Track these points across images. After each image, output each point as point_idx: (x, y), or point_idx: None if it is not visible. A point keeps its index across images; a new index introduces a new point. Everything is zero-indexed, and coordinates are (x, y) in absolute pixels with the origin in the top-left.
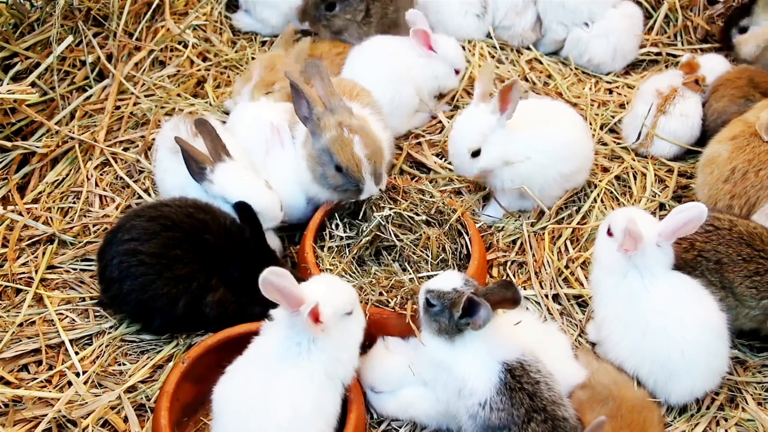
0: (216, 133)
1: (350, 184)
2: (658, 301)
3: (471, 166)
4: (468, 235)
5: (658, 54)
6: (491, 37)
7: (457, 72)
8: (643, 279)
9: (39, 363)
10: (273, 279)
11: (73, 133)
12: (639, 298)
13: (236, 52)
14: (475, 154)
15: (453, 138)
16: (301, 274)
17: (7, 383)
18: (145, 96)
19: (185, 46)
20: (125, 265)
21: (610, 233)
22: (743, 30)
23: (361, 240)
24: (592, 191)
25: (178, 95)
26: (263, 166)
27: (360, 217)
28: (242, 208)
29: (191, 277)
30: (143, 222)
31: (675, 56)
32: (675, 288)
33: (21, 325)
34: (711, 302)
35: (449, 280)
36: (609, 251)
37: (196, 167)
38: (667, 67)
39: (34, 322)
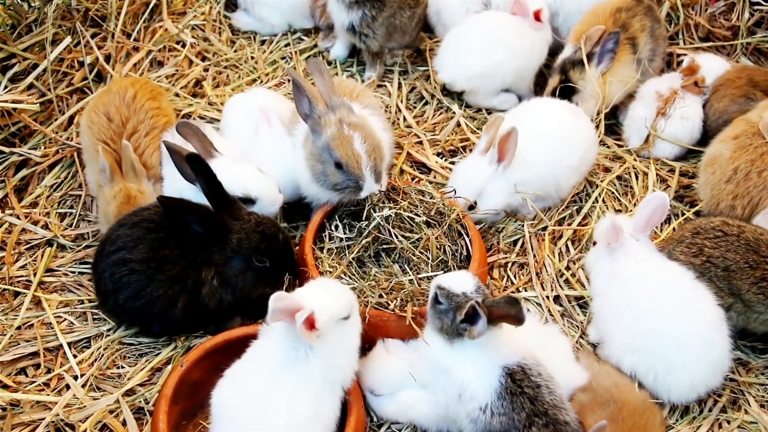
0: (201, 131)
1: (350, 181)
2: (650, 290)
3: (473, 215)
4: (468, 237)
5: None
6: None
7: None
8: (637, 265)
9: (37, 366)
10: (277, 305)
11: (71, 139)
12: (631, 288)
13: (235, 51)
14: (471, 207)
15: (454, 187)
16: (300, 276)
17: (5, 387)
18: None
19: (183, 46)
20: (117, 276)
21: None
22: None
23: (361, 241)
24: (593, 191)
25: (177, 95)
26: (253, 148)
27: (360, 219)
28: (193, 159)
29: (184, 274)
30: (127, 230)
31: (678, 55)
32: (667, 278)
33: (19, 328)
34: (705, 294)
35: (462, 283)
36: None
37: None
38: (669, 65)
39: (32, 325)
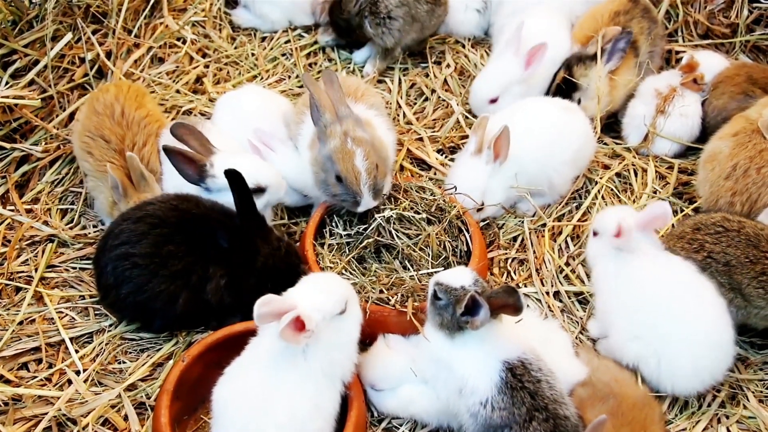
0: (197, 130)
1: (348, 195)
2: (654, 278)
3: (479, 216)
4: (468, 233)
5: None
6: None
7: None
8: (638, 258)
9: (39, 361)
10: (263, 310)
11: (72, 134)
12: (635, 277)
13: (236, 48)
14: (479, 208)
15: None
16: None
17: (7, 382)
18: None
19: (184, 42)
20: (119, 270)
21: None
22: (579, 102)
23: (362, 242)
24: (592, 188)
25: (177, 91)
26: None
27: (361, 218)
28: (231, 174)
29: (189, 270)
30: (130, 225)
31: (677, 52)
32: (670, 268)
33: (21, 323)
34: (708, 283)
35: (459, 277)
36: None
37: (194, 168)
38: (668, 62)
39: (34, 321)
